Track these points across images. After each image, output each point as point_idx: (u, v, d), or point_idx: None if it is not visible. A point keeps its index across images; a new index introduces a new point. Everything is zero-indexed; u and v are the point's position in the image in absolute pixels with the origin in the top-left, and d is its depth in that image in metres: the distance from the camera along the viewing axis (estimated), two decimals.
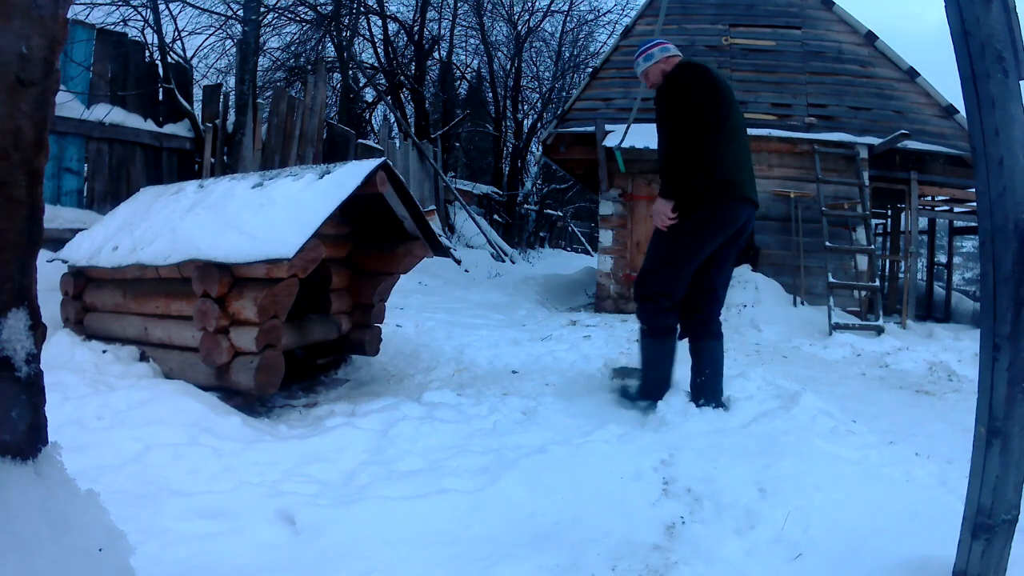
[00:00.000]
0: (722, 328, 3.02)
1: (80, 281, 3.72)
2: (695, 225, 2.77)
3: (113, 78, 5.87)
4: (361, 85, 14.90)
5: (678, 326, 2.98)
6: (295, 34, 13.21)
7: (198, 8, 9.05)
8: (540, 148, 11.52)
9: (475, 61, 18.69)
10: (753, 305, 6.63)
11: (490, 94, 17.86)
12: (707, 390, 2.92)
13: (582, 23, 17.46)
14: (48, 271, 3.80)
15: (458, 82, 18.47)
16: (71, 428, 2.36)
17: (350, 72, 12.84)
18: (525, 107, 18.35)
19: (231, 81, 10.08)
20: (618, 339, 5.30)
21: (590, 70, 11.01)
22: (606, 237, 8.14)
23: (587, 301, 8.90)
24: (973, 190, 5.81)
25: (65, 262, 3.77)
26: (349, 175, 3.15)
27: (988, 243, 1.33)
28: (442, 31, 15.99)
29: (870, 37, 8.05)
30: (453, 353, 4.38)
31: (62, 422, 2.33)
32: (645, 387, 3.05)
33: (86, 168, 5.68)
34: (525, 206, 18.49)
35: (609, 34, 17.06)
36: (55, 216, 5.11)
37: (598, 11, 17.46)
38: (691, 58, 3.09)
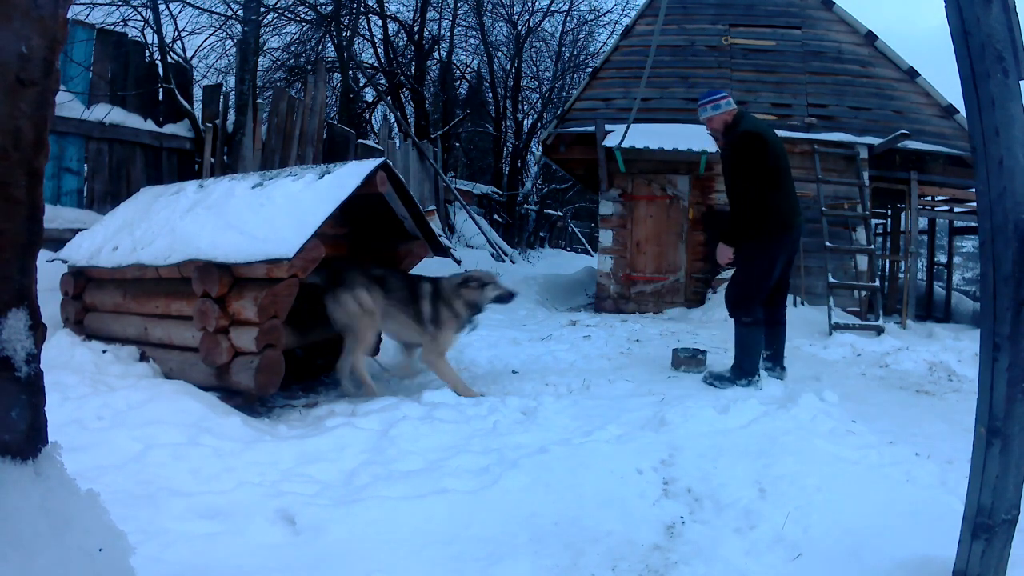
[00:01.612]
0: (786, 316, 3.98)
1: (80, 281, 3.72)
2: (761, 255, 3.67)
3: (113, 78, 5.87)
4: (361, 85, 14.89)
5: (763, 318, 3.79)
6: (295, 34, 13.21)
7: (198, 8, 9.03)
8: (540, 148, 11.52)
9: (475, 61, 18.71)
10: None
11: (490, 94, 17.85)
12: (774, 360, 3.88)
13: (582, 23, 17.46)
14: (48, 271, 3.80)
15: (458, 82, 18.47)
16: (71, 428, 2.36)
17: (350, 72, 12.84)
18: (525, 107, 18.35)
19: (231, 81, 10.06)
20: (618, 339, 5.30)
21: (590, 70, 11.00)
22: (606, 237, 8.14)
23: (587, 301, 8.90)
24: (973, 190, 5.80)
25: (65, 262, 3.77)
26: (349, 175, 3.15)
27: (988, 243, 1.33)
28: (442, 31, 16.00)
29: (870, 37, 8.04)
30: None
31: (62, 422, 2.33)
32: (744, 369, 3.65)
33: (86, 168, 5.67)
34: (525, 206, 18.48)
35: (609, 34, 17.04)
36: (55, 216, 5.10)
37: (598, 11, 17.44)
38: (746, 114, 3.82)
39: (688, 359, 4.14)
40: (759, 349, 3.71)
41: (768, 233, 3.64)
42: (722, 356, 4.56)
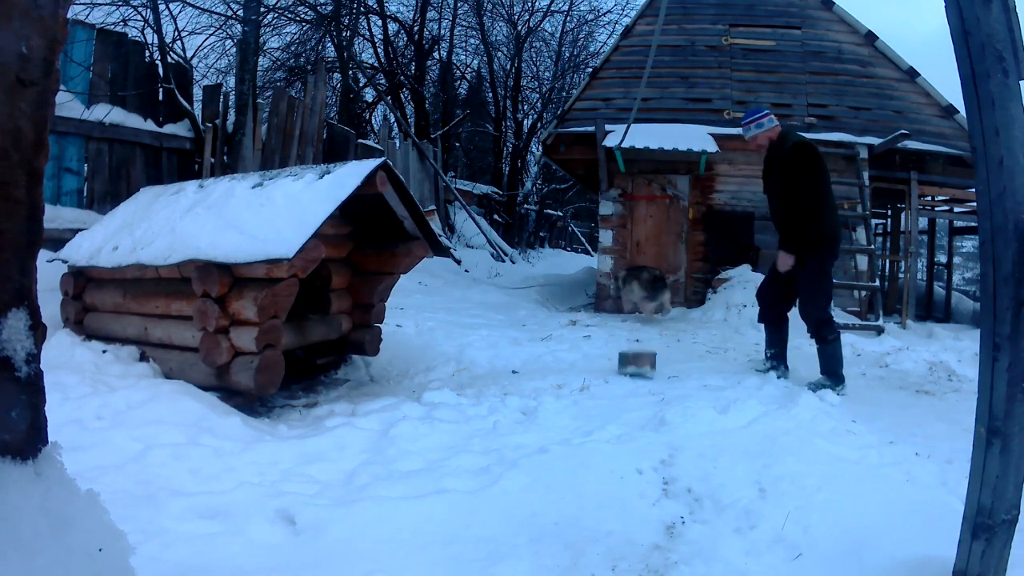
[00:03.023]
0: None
1: (80, 281, 3.72)
2: (825, 263, 3.81)
3: (113, 78, 5.87)
4: (361, 85, 14.89)
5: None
6: (295, 34, 13.21)
7: (198, 8, 9.03)
8: (540, 148, 11.52)
9: (475, 61, 18.72)
10: (753, 305, 6.60)
11: (490, 94, 17.87)
12: (778, 359, 4.09)
13: (582, 23, 17.48)
14: (48, 271, 3.80)
15: (458, 82, 18.46)
16: (71, 428, 2.36)
17: (350, 72, 12.83)
18: (525, 107, 18.36)
19: (231, 81, 10.06)
20: (618, 339, 5.30)
21: (590, 70, 11.00)
22: (606, 237, 8.13)
23: (587, 301, 8.89)
24: (973, 190, 5.80)
25: (65, 262, 3.77)
26: (349, 175, 3.15)
27: (988, 243, 1.33)
28: (442, 31, 16.00)
29: (870, 37, 8.04)
30: (453, 353, 4.38)
31: (62, 422, 2.33)
32: (839, 376, 3.79)
33: (86, 168, 5.67)
34: (525, 206, 18.49)
35: (609, 34, 17.07)
36: (55, 216, 5.10)
37: (598, 11, 17.45)
38: (790, 129, 4.01)
39: (632, 359, 4.01)
40: (842, 356, 3.91)
41: (827, 242, 3.76)
42: (721, 356, 4.56)
